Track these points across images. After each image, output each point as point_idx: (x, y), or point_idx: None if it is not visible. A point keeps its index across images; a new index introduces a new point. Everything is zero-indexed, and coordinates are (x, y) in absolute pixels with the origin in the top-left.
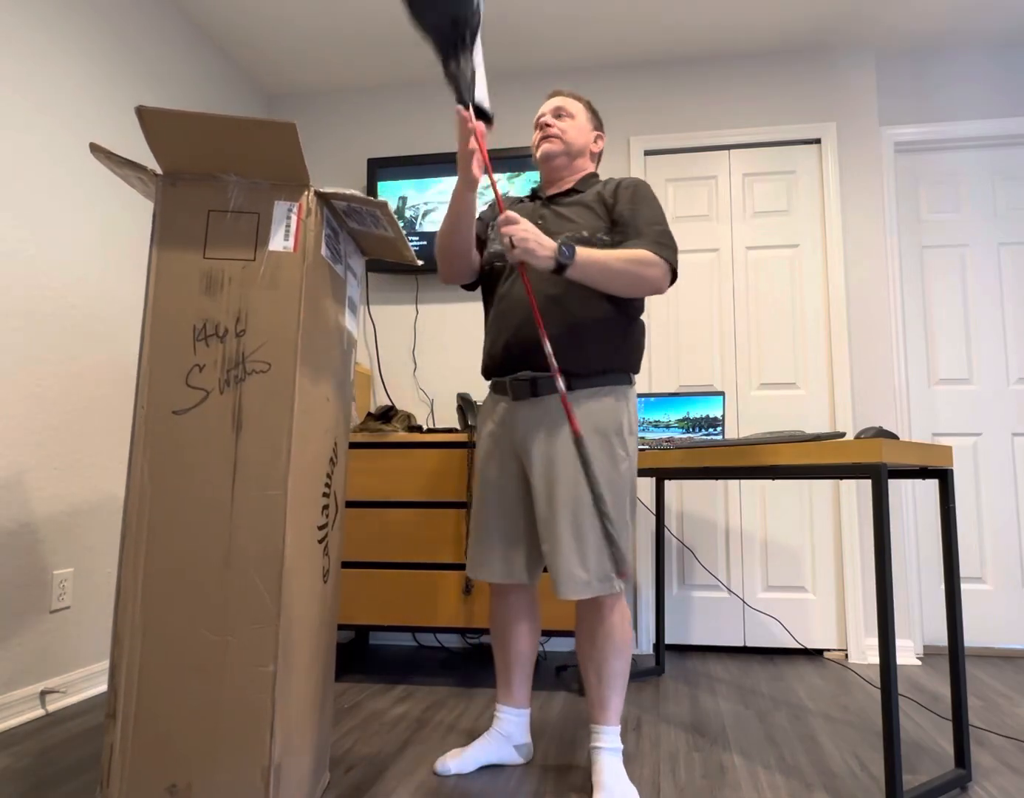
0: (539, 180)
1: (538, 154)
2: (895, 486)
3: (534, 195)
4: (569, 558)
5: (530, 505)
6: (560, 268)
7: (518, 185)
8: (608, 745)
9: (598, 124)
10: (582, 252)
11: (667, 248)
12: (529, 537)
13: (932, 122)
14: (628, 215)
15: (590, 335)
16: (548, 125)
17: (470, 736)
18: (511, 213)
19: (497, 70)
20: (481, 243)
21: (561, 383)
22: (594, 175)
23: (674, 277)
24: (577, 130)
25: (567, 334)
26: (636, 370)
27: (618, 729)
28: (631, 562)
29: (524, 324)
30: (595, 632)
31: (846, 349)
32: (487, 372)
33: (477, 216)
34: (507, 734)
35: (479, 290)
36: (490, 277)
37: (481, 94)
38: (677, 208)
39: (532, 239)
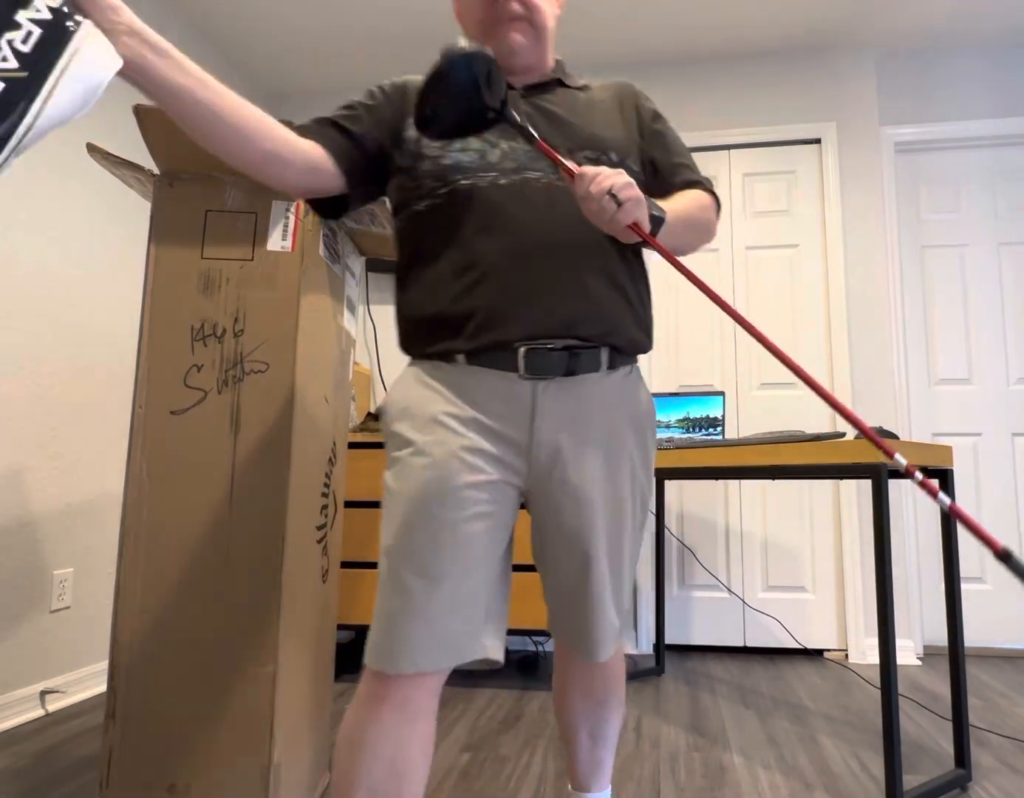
0: None
1: (503, 48)
2: (895, 486)
3: None
4: (608, 607)
5: (510, 540)
6: (656, 226)
7: None
8: None
9: None
10: (667, 204)
11: (711, 186)
12: (497, 591)
13: (932, 122)
14: (660, 136)
15: (629, 297)
16: None
17: (470, 736)
18: (585, 170)
19: None
20: (385, 142)
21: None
22: (562, 65)
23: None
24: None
25: (609, 295)
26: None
27: (609, 790)
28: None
29: (570, 273)
30: (594, 685)
31: (846, 349)
32: (451, 331)
33: (368, 101)
34: None
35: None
36: (435, 198)
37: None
38: None
39: (638, 190)
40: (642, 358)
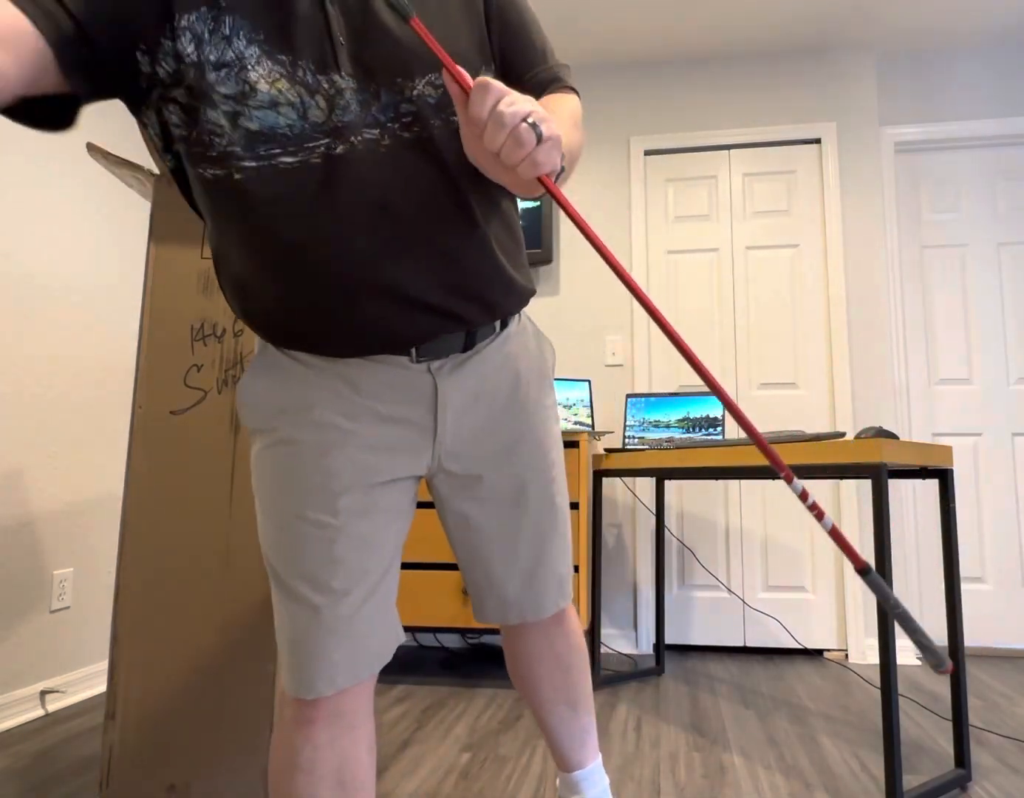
0: None
1: None
2: (895, 486)
3: None
4: (557, 560)
5: (399, 531)
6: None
7: None
8: (601, 792)
9: None
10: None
11: (572, 77)
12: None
13: (932, 122)
14: (519, 27)
15: (506, 249)
16: None
17: (470, 737)
18: (491, 81)
19: None
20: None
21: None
22: None
23: None
24: None
25: (489, 266)
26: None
27: (600, 758)
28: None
29: (448, 261)
30: (558, 648)
31: (846, 349)
32: (318, 339)
33: None
34: None
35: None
36: (239, 172)
37: None
38: (677, 208)
39: (556, 142)
40: (642, 357)
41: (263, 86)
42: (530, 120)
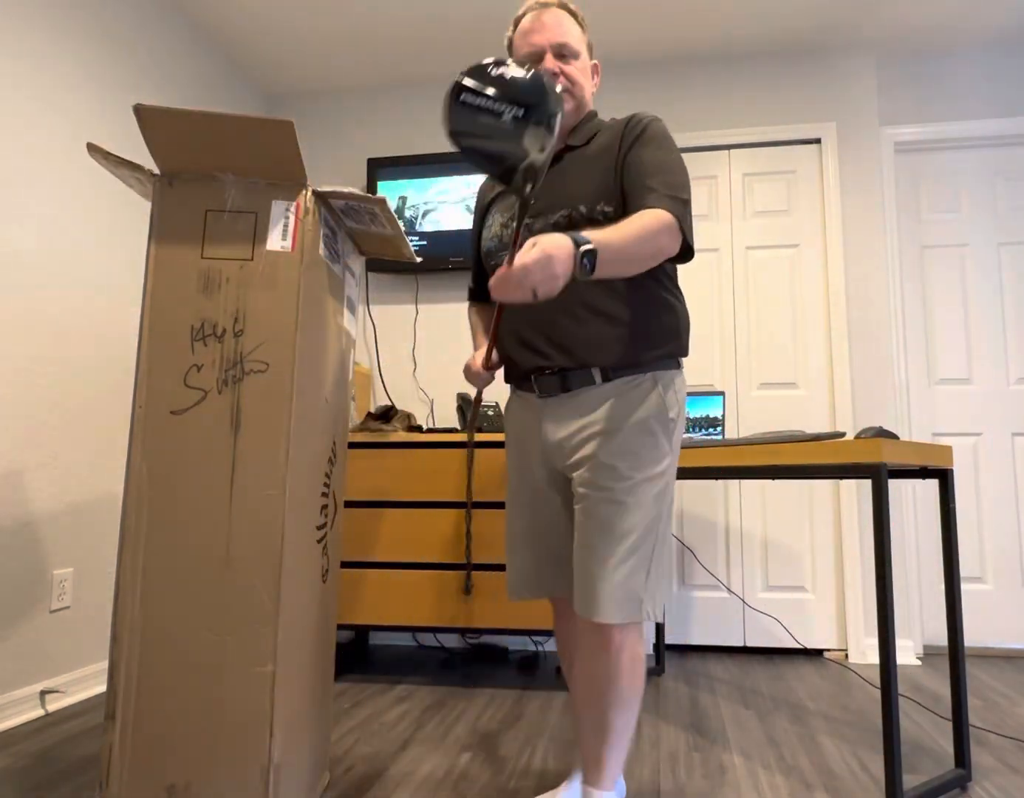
0: None
1: None
2: (895, 486)
3: None
4: (603, 569)
5: (566, 515)
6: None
7: None
8: None
9: (590, 48)
10: (601, 248)
11: (678, 202)
12: (568, 552)
13: (932, 122)
14: (634, 160)
15: (619, 319)
16: (555, 75)
17: (470, 737)
18: (511, 270)
19: None
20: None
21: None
22: (590, 116)
23: (685, 243)
24: (584, 74)
25: (593, 325)
26: (683, 353)
27: (613, 795)
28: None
29: (545, 312)
30: (596, 672)
31: (846, 349)
32: (507, 372)
33: (473, 252)
34: None
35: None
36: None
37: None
38: None
39: (545, 277)
40: None
41: (496, 228)
42: (534, 287)
